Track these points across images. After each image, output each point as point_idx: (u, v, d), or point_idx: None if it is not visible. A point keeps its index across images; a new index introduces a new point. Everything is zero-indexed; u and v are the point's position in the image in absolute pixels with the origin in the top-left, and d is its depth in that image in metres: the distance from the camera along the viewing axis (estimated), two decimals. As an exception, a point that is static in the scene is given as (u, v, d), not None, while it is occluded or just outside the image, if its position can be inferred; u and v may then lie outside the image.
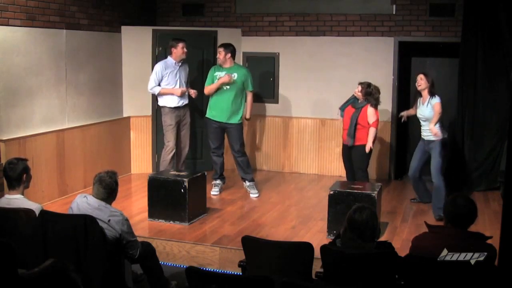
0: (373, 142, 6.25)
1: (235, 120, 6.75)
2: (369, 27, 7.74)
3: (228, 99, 6.67)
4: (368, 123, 6.19)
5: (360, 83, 6.33)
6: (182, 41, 6.83)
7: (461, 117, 7.12)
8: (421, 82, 6.07)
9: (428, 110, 6.02)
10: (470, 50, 6.99)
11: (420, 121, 6.19)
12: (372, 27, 7.73)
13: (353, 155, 6.38)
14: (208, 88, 6.75)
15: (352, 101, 6.39)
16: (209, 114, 6.83)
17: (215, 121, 6.78)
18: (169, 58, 6.88)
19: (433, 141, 6.06)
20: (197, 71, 7.93)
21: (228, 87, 6.66)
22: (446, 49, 7.76)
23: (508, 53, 6.58)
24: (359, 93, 6.26)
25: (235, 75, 6.67)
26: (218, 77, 6.67)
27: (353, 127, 6.22)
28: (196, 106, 7.68)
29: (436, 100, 5.99)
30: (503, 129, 6.92)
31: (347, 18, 7.82)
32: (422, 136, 6.23)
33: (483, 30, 6.86)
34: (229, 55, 6.67)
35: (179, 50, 6.77)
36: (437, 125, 6.01)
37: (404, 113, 6.61)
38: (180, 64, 6.86)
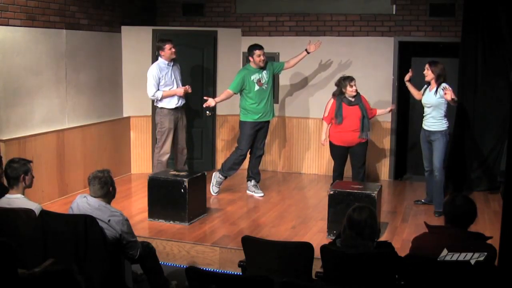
0: None
1: (272, 116, 6.81)
2: (369, 27, 7.74)
3: (269, 97, 6.68)
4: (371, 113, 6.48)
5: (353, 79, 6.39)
6: (169, 41, 6.70)
7: (461, 117, 7.12)
8: (427, 72, 6.04)
9: (436, 97, 5.93)
10: (470, 50, 6.98)
11: (424, 108, 6.13)
12: (372, 27, 7.73)
13: (359, 152, 6.41)
14: (230, 93, 6.64)
15: (341, 102, 6.32)
16: (252, 118, 6.63)
17: (258, 122, 6.68)
18: (160, 59, 6.73)
19: (435, 132, 6.00)
20: (197, 71, 7.93)
21: (266, 86, 6.65)
22: (446, 49, 7.76)
23: (508, 53, 6.58)
24: (355, 89, 6.33)
25: (265, 72, 6.66)
26: (256, 80, 6.58)
27: (367, 121, 6.34)
28: (194, 106, 7.68)
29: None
30: (503, 129, 6.92)
31: (347, 18, 7.82)
32: (423, 126, 6.17)
33: (483, 30, 6.86)
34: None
35: (167, 51, 6.64)
36: (443, 114, 5.97)
37: (408, 83, 6.46)
38: (172, 63, 6.77)
